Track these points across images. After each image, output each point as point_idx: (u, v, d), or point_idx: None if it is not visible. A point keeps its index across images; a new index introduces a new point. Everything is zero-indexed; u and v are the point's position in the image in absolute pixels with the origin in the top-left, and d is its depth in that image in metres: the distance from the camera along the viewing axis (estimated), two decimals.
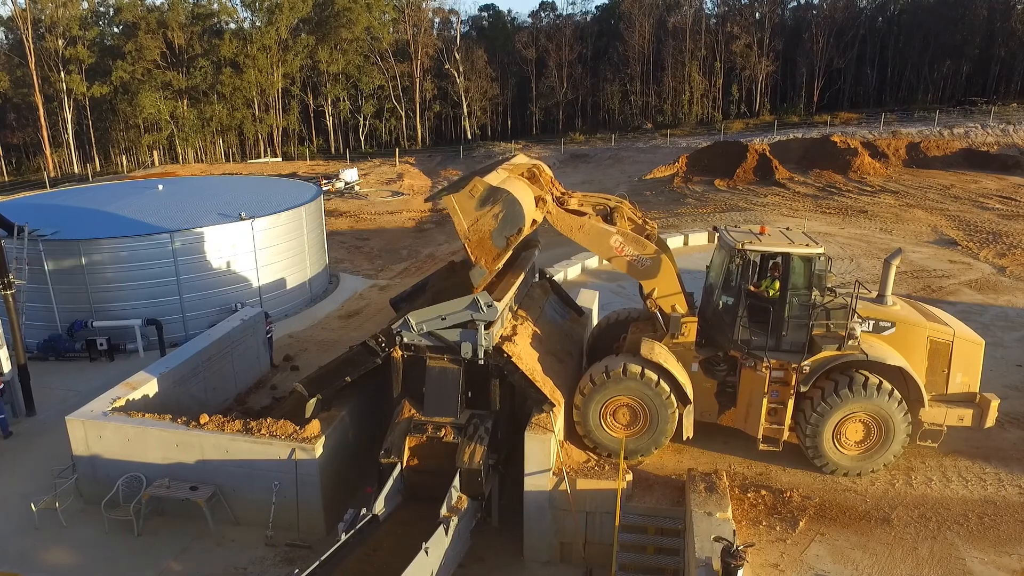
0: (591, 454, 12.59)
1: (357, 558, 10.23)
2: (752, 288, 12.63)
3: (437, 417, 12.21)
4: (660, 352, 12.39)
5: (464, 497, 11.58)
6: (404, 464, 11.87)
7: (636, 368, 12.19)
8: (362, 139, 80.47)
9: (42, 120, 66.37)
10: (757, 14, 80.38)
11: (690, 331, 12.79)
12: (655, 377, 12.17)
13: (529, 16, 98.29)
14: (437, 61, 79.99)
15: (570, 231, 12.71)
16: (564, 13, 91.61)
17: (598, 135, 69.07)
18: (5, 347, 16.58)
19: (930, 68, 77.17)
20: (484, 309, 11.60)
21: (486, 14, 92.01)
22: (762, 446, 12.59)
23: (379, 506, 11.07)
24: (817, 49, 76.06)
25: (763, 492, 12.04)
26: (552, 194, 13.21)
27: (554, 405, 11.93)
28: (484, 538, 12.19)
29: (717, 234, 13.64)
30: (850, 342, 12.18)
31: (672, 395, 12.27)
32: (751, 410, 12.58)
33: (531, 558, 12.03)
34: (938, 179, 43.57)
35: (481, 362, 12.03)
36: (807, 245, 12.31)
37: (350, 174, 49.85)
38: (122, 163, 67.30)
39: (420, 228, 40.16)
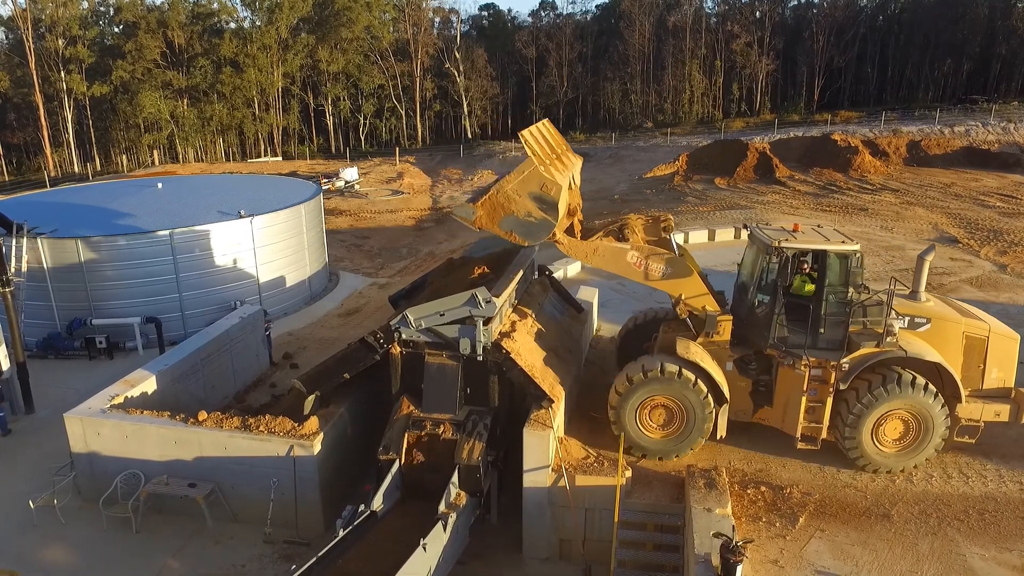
0: (590, 450, 12.56)
1: (355, 554, 10.20)
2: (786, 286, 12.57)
3: (436, 413, 12.19)
4: (697, 352, 12.34)
5: (463, 493, 11.55)
6: (403, 460, 11.84)
7: (674, 368, 12.10)
8: (362, 138, 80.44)
9: (42, 120, 66.34)
10: (757, 13, 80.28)
11: (725, 330, 12.72)
12: (693, 377, 12.09)
13: (529, 15, 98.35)
14: (437, 60, 79.95)
15: (585, 257, 12.64)
16: (564, 12, 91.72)
17: (598, 134, 69.02)
18: (4, 345, 16.57)
19: (931, 66, 77.08)
20: (483, 305, 11.57)
21: (486, 13, 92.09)
22: (800, 445, 12.51)
23: (377, 502, 11.03)
24: (817, 48, 75.98)
25: (763, 488, 12.01)
26: (574, 225, 13.14)
27: (553, 401, 11.89)
28: (483, 535, 12.15)
29: (748, 232, 13.56)
30: (888, 339, 12.09)
31: (709, 395, 12.21)
32: (789, 409, 12.51)
33: (530, 555, 12.01)
34: (939, 177, 43.50)
35: (480, 358, 12.01)
36: (843, 242, 12.28)
37: (350, 173, 49.86)
38: (122, 163, 67.32)
39: (420, 227, 40.15)
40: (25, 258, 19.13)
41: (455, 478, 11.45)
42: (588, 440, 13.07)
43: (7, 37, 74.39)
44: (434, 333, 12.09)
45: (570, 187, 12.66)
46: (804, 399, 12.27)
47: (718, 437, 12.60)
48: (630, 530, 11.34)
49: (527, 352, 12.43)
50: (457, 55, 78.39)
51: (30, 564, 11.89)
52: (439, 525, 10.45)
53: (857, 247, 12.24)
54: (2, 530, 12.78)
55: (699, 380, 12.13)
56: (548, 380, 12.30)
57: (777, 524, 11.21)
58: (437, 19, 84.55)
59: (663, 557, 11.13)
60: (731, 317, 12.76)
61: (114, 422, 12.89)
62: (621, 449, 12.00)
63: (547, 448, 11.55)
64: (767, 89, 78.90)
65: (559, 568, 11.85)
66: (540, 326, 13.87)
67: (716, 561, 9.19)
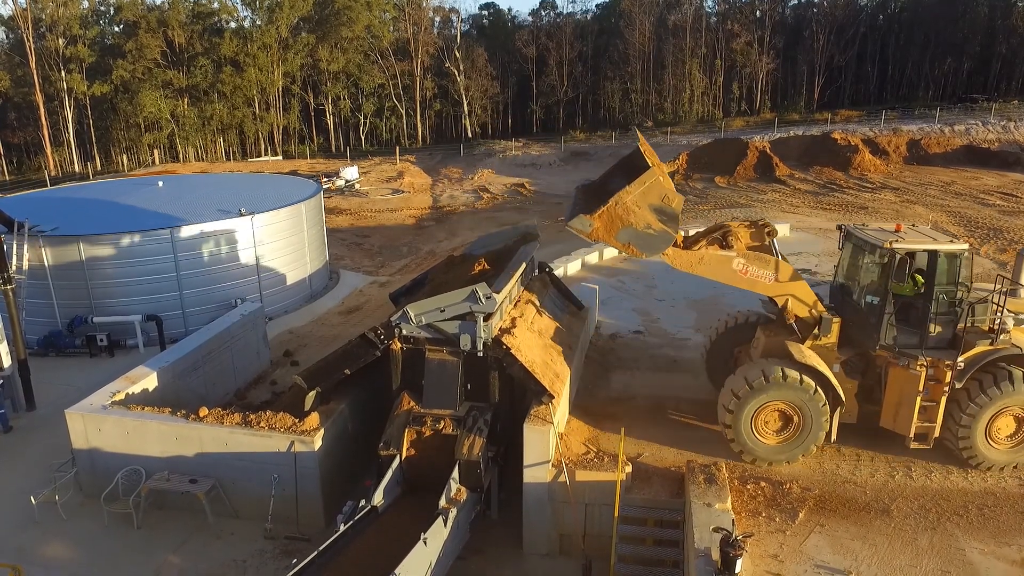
0: (590, 446, 12.59)
1: (355, 549, 10.22)
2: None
3: (436, 409, 12.22)
4: (812, 356, 12.33)
5: (463, 489, 11.59)
6: (403, 456, 11.87)
7: (795, 373, 12.07)
8: (362, 137, 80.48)
9: (43, 119, 66.38)
10: (758, 12, 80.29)
11: (834, 332, 12.69)
12: (810, 381, 12.08)
13: (529, 14, 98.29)
14: (437, 60, 79.95)
15: (691, 267, 12.48)
16: (564, 11, 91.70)
17: (599, 133, 69.05)
18: (5, 342, 16.61)
19: (931, 65, 77.06)
20: (483, 300, 11.58)
21: (486, 12, 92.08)
22: (913, 444, 12.50)
23: (378, 498, 11.06)
24: (818, 47, 75.97)
25: (762, 483, 12.03)
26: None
27: (553, 397, 11.91)
28: (483, 530, 12.19)
29: (843, 233, 13.57)
30: (1002, 336, 12.08)
31: (825, 399, 12.20)
32: (901, 409, 12.49)
33: (530, 550, 12.04)
34: (939, 176, 43.50)
35: (480, 354, 12.03)
36: (951, 241, 12.27)
37: (350, 172, 49.92)
38: (123, 162, 67.35)
39: (420, 225, 40.20)
40: (26, 256, 19.16)
41: (455, 474, 11.48)
42: (588, 436, 13.11)
43: (7, 37, 74.55)
44: (434, 329, 12.11)
45: None
46: (919, 399, 12.24)
47: (831, 440, 12.57)
48: (630, 525, 11.36)
49: (527, 348, 12.45)
50: (457, 54, 78.40)
51: (32, 560, 11.92)
52: (439, 520, 10.47)
53: (966, 246, 12.23)
54: (4, 526, 12.81)
55: (816, 384, 12.10)
56: (548, 376, 12.32)
57: (777, 519, 11.24)
58: (437, 18, 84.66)
59: (663, 552, 11.16)
60: (840, 319, 12.69)
61: (115, 418, 12.93)
62: (621, 445, 12.03)
63: (547, 444, 11.57)
64: (767, 88, 78.88)
65: (559, 563, 11.88)
66: (540, 322, 13.90)
67: (716, 555, 9.22)
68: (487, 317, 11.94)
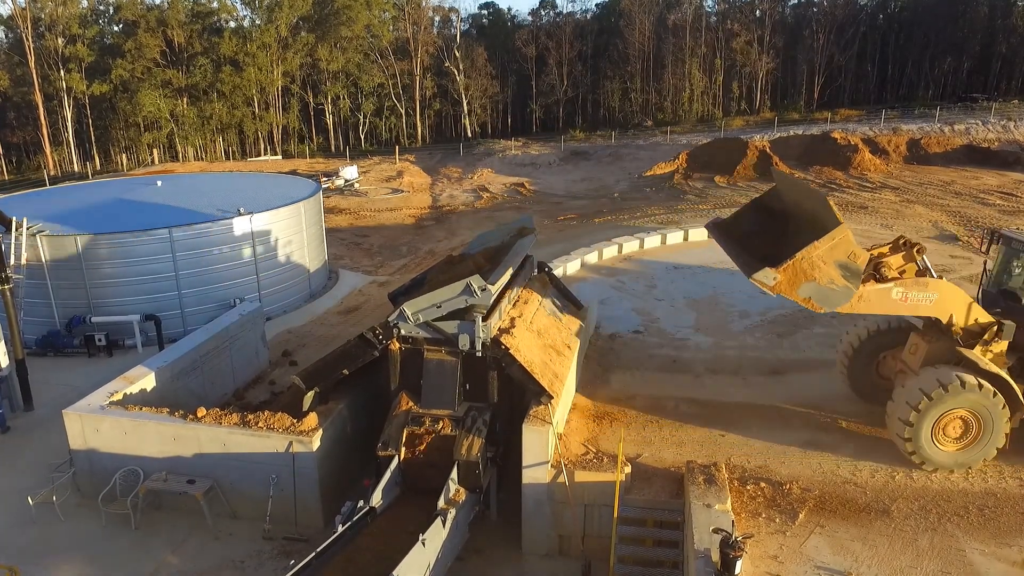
0: (589, 446, 12.54)
1: (354, 550, 10.19)
2: None
3: (435, 409, 12.19)
4: (989, 362, 12.30)
5: (462, 489, 11.56)
6: (402, 457, 11.83)
7: (977, 380, 12.03)
8: (362, 137, 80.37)
9: (42, 119, 66.32)
10: (757, 11, 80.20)
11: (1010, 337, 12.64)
12: (992, 387, 12.06)
13: (529, 14, 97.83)
14: (437, 59, 79.85)
15: (851, 307, 12.19)
16: (564, 11, 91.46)
17: (598, 132, 68.94)
18: (3, 342, 16.57)
19: (931, 65, 77.01)
20: (478, 293, 11.53)
21: (486, 12, 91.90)
22: None
23: (376, 498, 11.02)
24: (818, 46, 75.88)
25: (762, 484, 11.99)
26: None
27: (552, 397, 11.87)
28: (482, 531, 12.17)
29: (998, 237, 13.69)
30: None
31: (1006, 404, 12.17)
32: None
33: (529, 551, 12.00)
34: (939, 175, 43.44)
35: (479, 354, 11.99)
36: None
37: (350, 172, 49.82)
38: (122, 161, 67.26)
39: (420, 225, 40.13)
40: (24, 255, 19.12)
41: (454, 474, 11.45)
42: (587, 436, 13.08)
43: (7, 36, 74.46)
44: (433, 329, 12.07)
45: None
46: None
47: (1006, 445, 12.49)
48: (630, 526, 11.33)
49: (526, 348, 12.41)
50: (457, 54, 78.30)
51: (29, 560, 11.89)
52: (438, 521, 10.45)
53: None
54: (1, 526, 12.77)
55: (996, 390, 12.06)
56: (547, 376, 12.28)
57: (777, 520, 11.20)
58: (437, 18, 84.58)
59: (663, 553, 11.12)
60: (1015, 324, 12.59)
61: (113, 419, 12.89)
62: (621, 445, 11.99)
63: (546, 444, 11.53)
64: (767, 87, 78.80)
65: (558, 564, 11.85)
66: (540, 322, 13.86)
67: (716, 556, 9.18)
68: (486, 316, 11.89)
